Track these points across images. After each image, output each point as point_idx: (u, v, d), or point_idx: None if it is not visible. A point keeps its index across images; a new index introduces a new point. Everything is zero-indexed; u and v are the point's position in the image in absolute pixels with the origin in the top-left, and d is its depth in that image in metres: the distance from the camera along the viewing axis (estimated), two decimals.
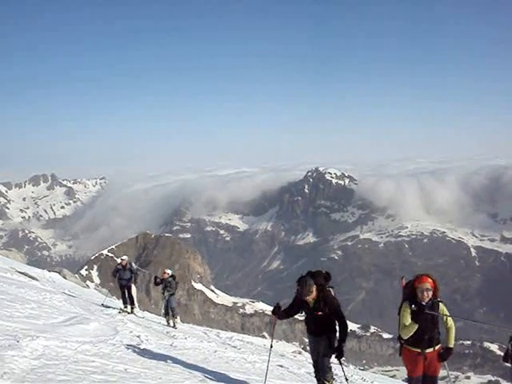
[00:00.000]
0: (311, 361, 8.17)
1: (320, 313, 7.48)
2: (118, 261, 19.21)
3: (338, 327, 7.61)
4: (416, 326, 7.12)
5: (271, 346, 8.39)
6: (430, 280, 7.08)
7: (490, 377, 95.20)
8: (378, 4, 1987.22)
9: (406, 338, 7.26)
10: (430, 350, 7.15)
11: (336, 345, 7.59)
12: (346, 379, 8.25)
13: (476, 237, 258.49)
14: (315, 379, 8.09)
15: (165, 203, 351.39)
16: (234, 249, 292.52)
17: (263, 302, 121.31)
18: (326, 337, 7.66)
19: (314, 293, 7.51)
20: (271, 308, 8.18)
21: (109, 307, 18.60)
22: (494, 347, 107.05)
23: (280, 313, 7.75)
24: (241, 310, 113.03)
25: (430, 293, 7.04)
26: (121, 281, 18.25)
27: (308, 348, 8.40)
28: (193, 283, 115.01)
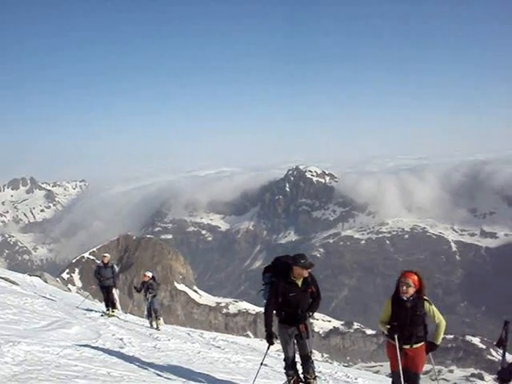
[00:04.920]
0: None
1: (310, 290, 7.55)
2: (99, 261, 18.87)
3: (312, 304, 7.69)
4: (384, 326, 7.28)
5: (262, 363, 8.29)
6: (413, 277, 7.04)
7: (472, 370, 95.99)
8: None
9: (383, 330, 7.35)
10: (407, 346, 7.11)
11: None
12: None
13: (456, 232, 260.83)
14: (287, 377, 7.85)
15: (145, 205, 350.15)
16: (216, 249, 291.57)
17: (246, 301, 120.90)
18: (303, 325, 7.64)
19: None
20: (254, 307, 8.13)
21: (91, 310, 18.46)
22: (476, 340, 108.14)
23: (273, 340, 7.66)
24: (224, 310, 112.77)
25: (411, 289, 7.00)
26: (102, 281, 17.93)
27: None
28: (175, 284, 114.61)
